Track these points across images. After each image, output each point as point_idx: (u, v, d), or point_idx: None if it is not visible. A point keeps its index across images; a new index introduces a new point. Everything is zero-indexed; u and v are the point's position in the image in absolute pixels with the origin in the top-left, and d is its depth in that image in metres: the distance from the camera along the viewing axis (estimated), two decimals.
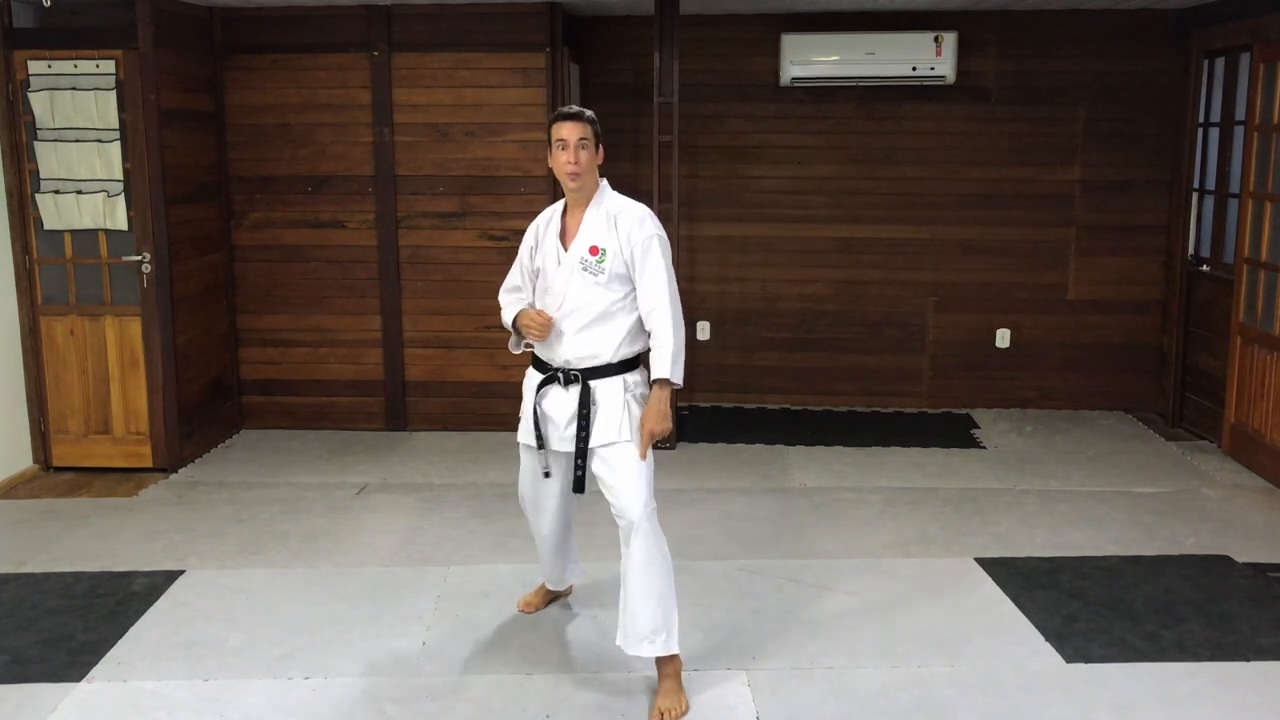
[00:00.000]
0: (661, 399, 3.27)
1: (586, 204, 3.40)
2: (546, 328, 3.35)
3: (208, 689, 3.39)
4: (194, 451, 5.74)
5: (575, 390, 3.36)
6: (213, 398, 5.97)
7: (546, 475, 3.53)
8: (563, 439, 3.41)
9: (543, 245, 3.45)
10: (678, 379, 3.26)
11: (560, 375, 3.39)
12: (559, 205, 3.51)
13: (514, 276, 3.58)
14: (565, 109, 3.36)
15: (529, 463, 3.59)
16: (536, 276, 3.48)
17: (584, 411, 3.34)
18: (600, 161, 3.39)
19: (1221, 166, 6.03)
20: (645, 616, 3.27)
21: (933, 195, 6.54)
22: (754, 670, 3.47)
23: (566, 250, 3.38)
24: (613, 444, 3.33)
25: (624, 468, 3.32)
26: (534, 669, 3.50)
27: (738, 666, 3.50)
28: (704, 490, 5.21)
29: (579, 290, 3.34)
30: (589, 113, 3.35)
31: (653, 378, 3.30)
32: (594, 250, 3.32)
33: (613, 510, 3.36)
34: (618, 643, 3.35)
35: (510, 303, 3.56)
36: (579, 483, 3.37)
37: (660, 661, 3.33)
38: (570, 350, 3.36)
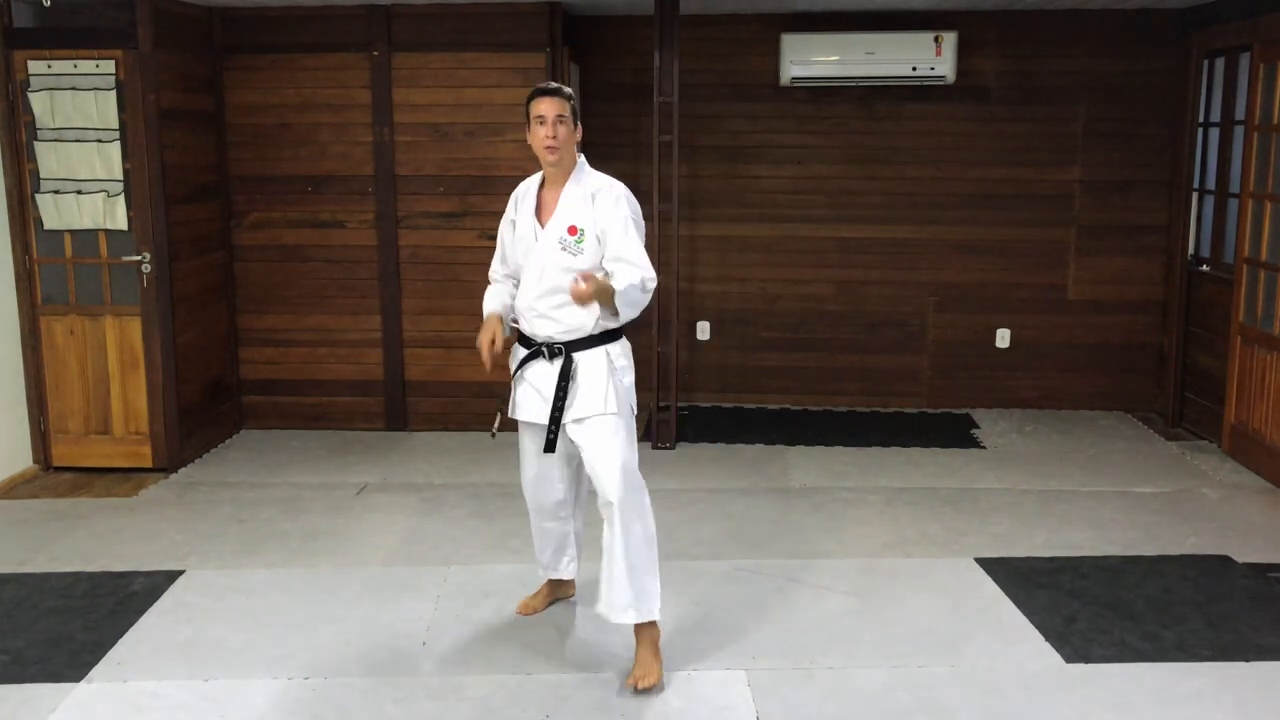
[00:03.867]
0: (606, 290, 3.24)
1: (564, 180, 3.42)
2: (484, 361, 3.48)
3: (208, 689, 3.39)
4: (194, 451, 5.74)
5: (559, 363, 3.40)
6: (213, 398, 5.97)
7: (550, 449, 3.46)
8: (544, 412, 3.45)
9: (521, 221, 3.49)
10: (620, 286, 3.24)
11: (545, 350, 3.43)
12: (536, 178, 3.54)
13: (496, 260, 3.65)
14: (543, 85, 3.41)
15: (527, 439, 3.61)
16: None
17: (562, 384, 3.38)
18: (578, 139, 3.43)
19: (1221, 166, 6.03)
20: (625, 587, 3.35)
21: (933, 195, 6.54)
22: (754, 670, 3.47)
23: (543, 227, 3.41)
24: (595, 416, 3.37)
25: (604, 444, 3.36)
26: (534, 669, 3.50)
27: (738, 666, 3.49)
28: (704, 490, 5.21)
29: (557, 268, 3.36)
30: (567, 89, 3.40)
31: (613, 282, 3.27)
32: (573, 230, 3.35)
33: (594, 485, 3.43)
34: (599, 609, 3.42)
35: (491, 295, 3.66)
36: (550, 444, 3.43)
37: (638, 629, 3.40)
38: (552, 327, 3.40)
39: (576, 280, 3.20)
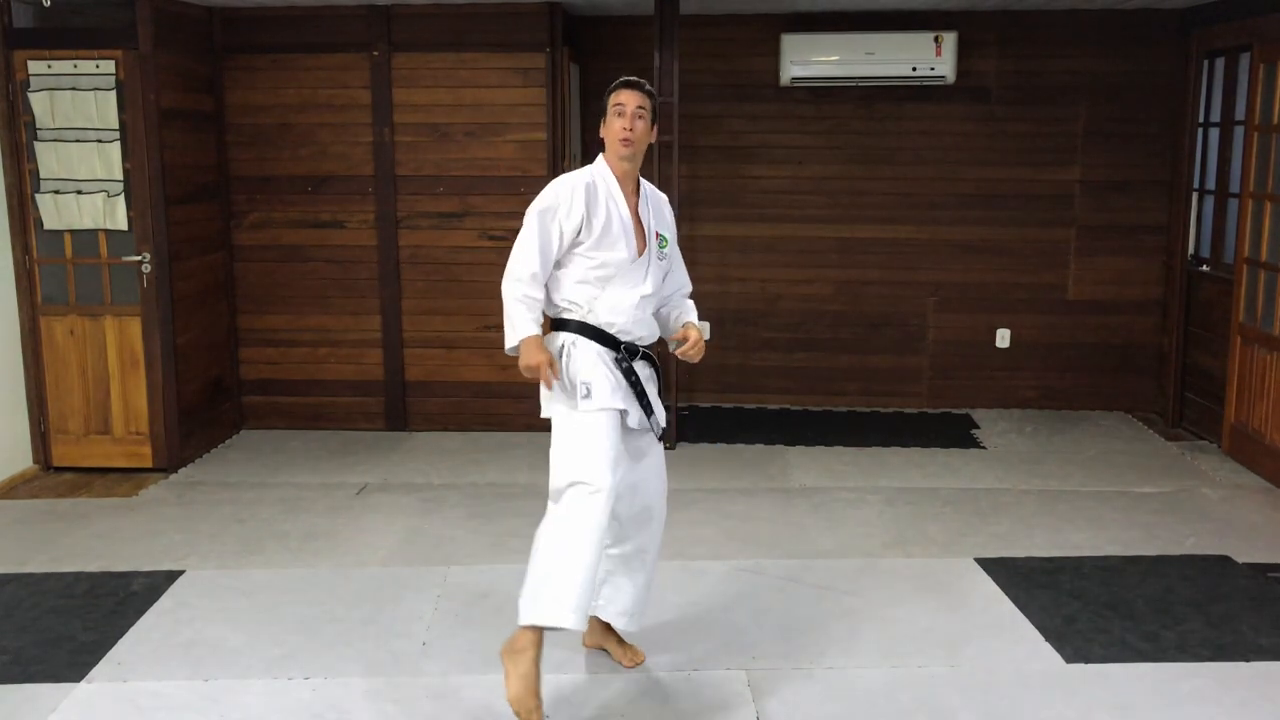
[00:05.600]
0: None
1: (635, 182, 3.32)
2: (548, 383, 3.16)
3: (208, 689, 3.39)
4: (194, 451, 5.74)
5: (647, 365, 3.35)
6: (213, 398, 5.97)
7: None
8: (636, 413, 3.30)
9: (599, 217, 3.18)
10: (696, 322, 3.46)
11: (638, 349, 3.31)
12: (595, 174, 3.25)
13: (535, 261, 3.13)
14: (626, 78, 3.29)
15: (617, 429, 3.18)
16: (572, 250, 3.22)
17: (653, 387, 3.38)
18: (653, 140, 3.32)
19: (1221, 166, 6.03)
20: (646, 597, 3.48)
21: (933, 195, 6.54)
22: (754, 670, 3.47)
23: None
24: (659, 425, 3.37)
25: (657, 454, 3.42)
26: None
27: (738, 666, 3.50)
28: (704, 490, 5.21)
29: (656, 274, 3.30)
30: (650, 86, 3.30)
31: (686, 320, 3.41)
32: (657, 235, 3.32)
33: (632, 495, 3.33)
34: (611, 617, 3.46)
35: (528, 309, 3.14)
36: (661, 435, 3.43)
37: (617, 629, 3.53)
38: (646, 329, 3.31)
39: (684, 343, 3.30)
